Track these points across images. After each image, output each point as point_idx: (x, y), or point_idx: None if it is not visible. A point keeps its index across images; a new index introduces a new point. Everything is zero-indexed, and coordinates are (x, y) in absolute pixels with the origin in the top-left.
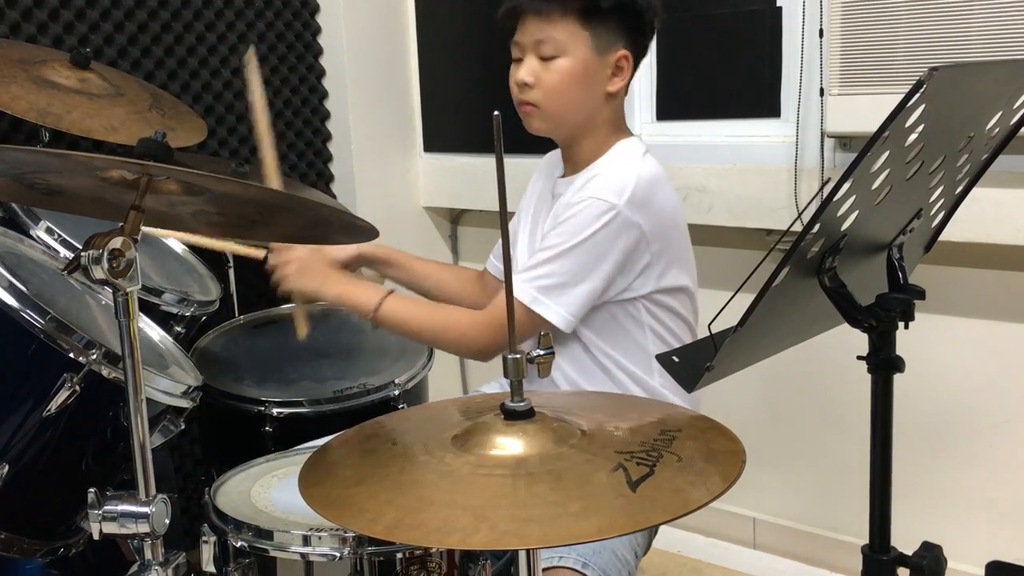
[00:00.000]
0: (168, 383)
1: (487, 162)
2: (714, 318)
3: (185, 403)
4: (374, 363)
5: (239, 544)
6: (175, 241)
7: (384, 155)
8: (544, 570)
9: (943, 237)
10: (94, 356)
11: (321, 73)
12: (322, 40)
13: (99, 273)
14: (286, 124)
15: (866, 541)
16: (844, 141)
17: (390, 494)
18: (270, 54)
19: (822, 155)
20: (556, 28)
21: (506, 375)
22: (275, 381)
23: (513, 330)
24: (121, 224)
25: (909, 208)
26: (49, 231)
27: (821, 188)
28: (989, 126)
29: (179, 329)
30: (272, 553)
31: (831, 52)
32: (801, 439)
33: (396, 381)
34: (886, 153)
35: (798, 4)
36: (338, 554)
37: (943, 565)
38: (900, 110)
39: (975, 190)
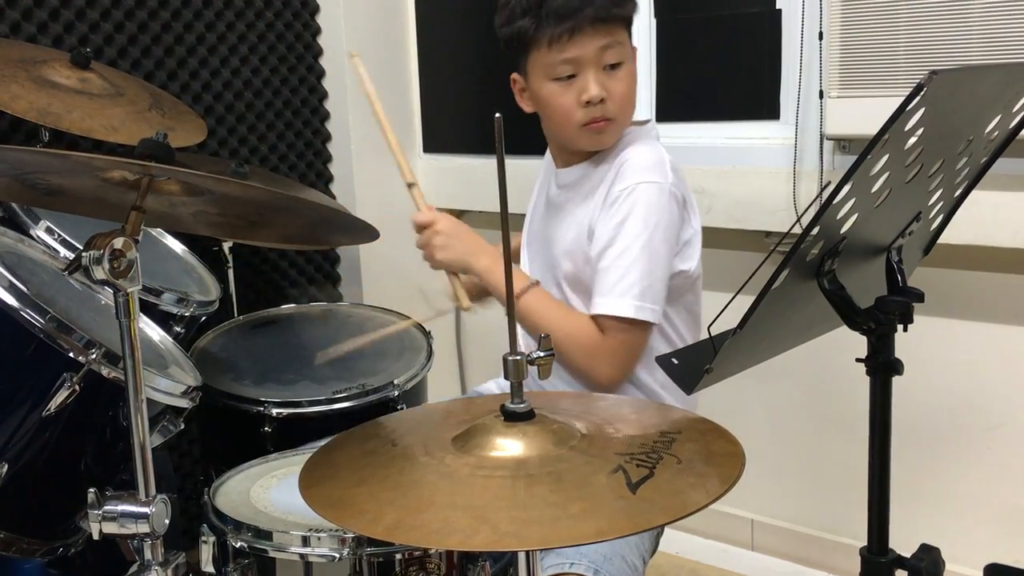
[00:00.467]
0: (168, 383)
1: (487, 163)
2: (714, 320)
3: (184, 403)
4: (373, 364)
5: (238, 544)
6: (175, 241)
7: (384, 155)
8: None
9: (942, 240)
10: (94, 356)
11: (321, 73)
12: (322, 40)
13: (100, 273)
14: (286, 124)
15: (864, 543)
16: (843, 144)
17: (390, 495)
18: (270, 54)
19: (821, 157)
20: (616, 33)
21: (506, 376)
22: (274, 381)
23: (514, 330)
24: (122, 224)
25: (908, 211)
26: (49, 231)
27: (821, 191)
28: (988, 129)
29: (178, 329)
30: (271, 553)
31: (830, 55)
32: (800, 441)
33: (395, 382)
34: (886, 156)
35: (797, 6)
36: (337, 555)
37: (941, 567)
38: (900, 113)
39: (974, 193)
